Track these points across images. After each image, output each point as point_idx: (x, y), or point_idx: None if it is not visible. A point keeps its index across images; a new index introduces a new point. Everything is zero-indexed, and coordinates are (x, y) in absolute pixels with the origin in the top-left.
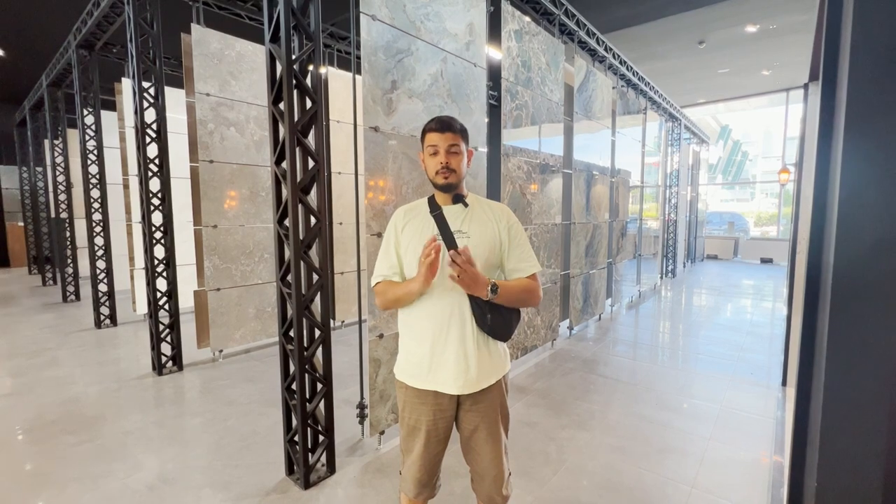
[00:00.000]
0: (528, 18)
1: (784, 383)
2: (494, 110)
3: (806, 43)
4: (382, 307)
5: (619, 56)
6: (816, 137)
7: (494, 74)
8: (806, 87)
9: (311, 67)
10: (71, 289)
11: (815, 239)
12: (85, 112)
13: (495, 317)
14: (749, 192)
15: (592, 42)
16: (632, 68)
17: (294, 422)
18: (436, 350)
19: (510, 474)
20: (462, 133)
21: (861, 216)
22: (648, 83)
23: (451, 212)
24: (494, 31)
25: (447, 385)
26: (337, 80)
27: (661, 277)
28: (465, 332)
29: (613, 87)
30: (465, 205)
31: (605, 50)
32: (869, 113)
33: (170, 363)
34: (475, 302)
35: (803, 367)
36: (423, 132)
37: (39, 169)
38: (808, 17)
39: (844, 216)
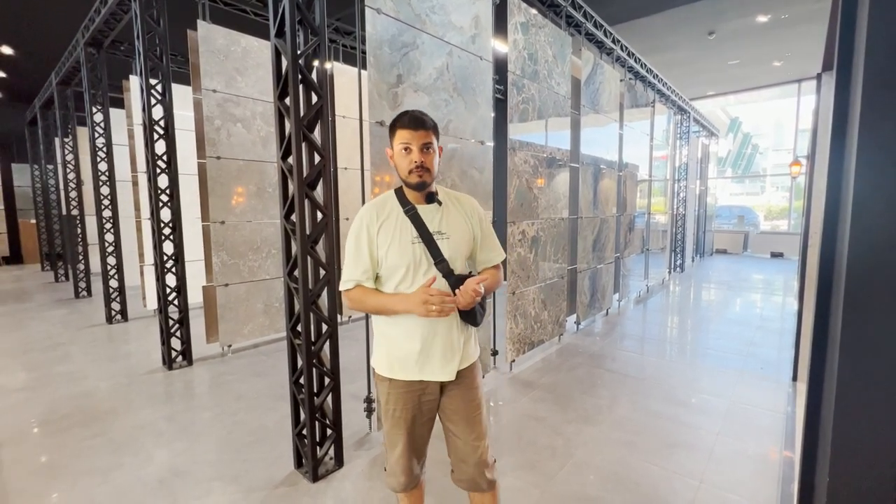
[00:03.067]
0: (534, 10)
1: (794, 378)
2: (500, 104)
3: (819, 33)
4: (354, 309)
5: (626, 48)
6: (830, 129)
7: (500, 68)
8: (819, 77)
9: (316, 62)
10: (83, 285)
11: (828, 232)
12: (94, 110)
13: (476, 307)
14: (759, 186)
15: (600, 34)
16: (640, 60)
17: (302, 416)
18: (425, 345)
19: (495, 461)
20: (434, 129)
21: (877, 209)
22: (657, 75)
23: (426, 211)
24: (500, 23)
25: (435, 374)
26: (342, 75)
27: (670, 272)
28: (451, 324)
29: (621, 80)
30: (439, 203)
31: (613, 42)
32: (886, 102)
33: (180, 358)
34: None
35: (815, 361)
36: (393, 127)
37: (50, 167)
38: (820, 5)
39: (859, 209)
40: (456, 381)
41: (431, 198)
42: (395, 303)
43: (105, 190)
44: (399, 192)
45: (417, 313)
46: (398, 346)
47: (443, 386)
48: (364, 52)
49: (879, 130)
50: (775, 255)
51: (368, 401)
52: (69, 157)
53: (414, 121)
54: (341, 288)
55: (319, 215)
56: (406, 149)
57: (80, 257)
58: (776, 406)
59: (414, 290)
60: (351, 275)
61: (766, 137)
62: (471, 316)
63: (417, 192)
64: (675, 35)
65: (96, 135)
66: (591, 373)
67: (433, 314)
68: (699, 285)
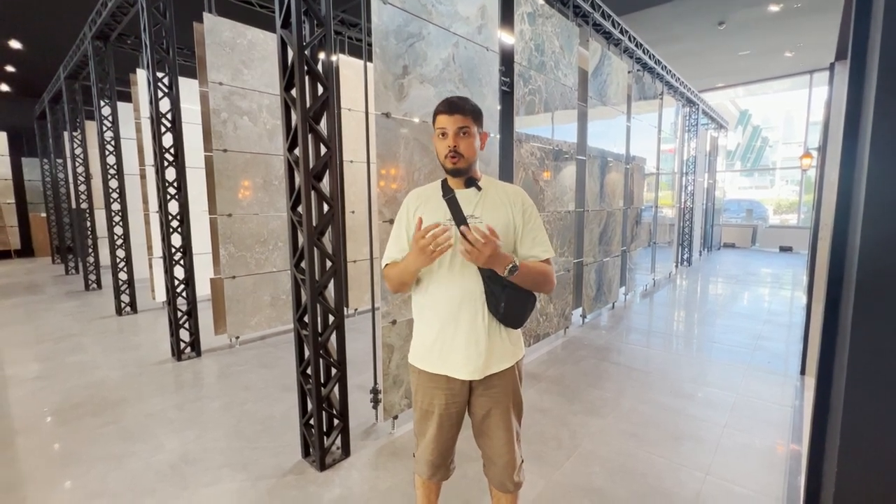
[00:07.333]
0: (541, 0)
1: (803, 372)
2: (507, 96)
3: (832, 22)
4: (392, 290)
5: (634, 39)
6: (843, 119)
7: (507, 59)
8: (832, 67)
9: (322, 54)
10: (93, 277)
11: (839, 225)
12: (102, 104)
13: (509, 303)
14: (769, 179)
15: (608, 24)
16: (648, 51)
17: (309, 406)
18: (446, 335)
19: (523, 462)
20: (473, 114)
21: (890, 201)
22: (665, 67)
23: (464, 196)
24: (507, 13)
25: (457, 370)
26: (348, 67)
27: (677, 266)
28: (477, 318)
29: (629, 72)
30: (479, 188)
31: (621, 33)
32: None
33: (188, 349)
34: (489, 288)
35: (824, 355)
36: (434, 114)
37: (60, 161)
38: None
39: (872, 201)
40: (486, 384)
41: (471, 182)
42: (406, 261)
43: (114, 183)
44: (445, 182)
45: (422, 261)
46: (421, 334)
47: (471, 386)
48: (370, 44)
49: (894, 120)
50: (784, 249)
51: (375, 391)
52: (78, 151)
53: (449, 105)
54: (382, 264)
55: (326, 207)
56: (443, 134)
57: (90, 250)
58: (784, 400)
59: (441, 270)
60: (389, 253)
61: (775, 130)
62: (499, 311)
63: (454, 178)
64: (684, 25)
65: (104, 128)
66: (597, 365)
67: (429, 251)
68: (706, 279)
